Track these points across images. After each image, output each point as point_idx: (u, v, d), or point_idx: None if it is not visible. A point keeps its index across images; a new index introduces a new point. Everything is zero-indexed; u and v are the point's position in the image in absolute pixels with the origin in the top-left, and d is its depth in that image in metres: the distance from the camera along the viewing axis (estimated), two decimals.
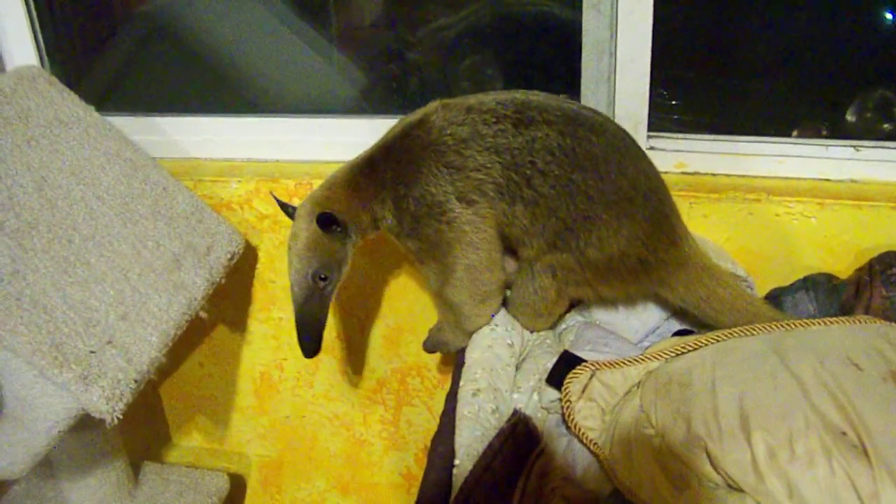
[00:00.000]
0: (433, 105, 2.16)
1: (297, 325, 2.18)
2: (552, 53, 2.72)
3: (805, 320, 1.88)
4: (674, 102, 2.69)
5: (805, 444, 1.55)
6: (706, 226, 2.48)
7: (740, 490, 1.58)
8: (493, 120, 2.05)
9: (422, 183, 2.07)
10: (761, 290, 2.40)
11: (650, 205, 2.06)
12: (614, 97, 2.51)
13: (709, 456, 1.62)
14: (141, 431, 3.20)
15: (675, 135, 2.58)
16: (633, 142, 2.15)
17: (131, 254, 2.33)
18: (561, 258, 2.08)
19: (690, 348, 1.88)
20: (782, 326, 1.88)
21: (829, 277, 2.36)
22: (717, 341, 1.86)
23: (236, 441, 3.21)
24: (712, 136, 2.57)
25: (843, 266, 2.43)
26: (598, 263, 2.08)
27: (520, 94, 2.11)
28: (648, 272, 2.10)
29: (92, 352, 2.08)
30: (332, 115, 2.83)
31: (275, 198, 2.33)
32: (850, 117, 2.74)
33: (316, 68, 2.96)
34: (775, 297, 2.33)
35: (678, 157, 2.56)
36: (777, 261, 2.48)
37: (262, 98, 3.00)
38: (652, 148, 2.55)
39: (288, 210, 2.26)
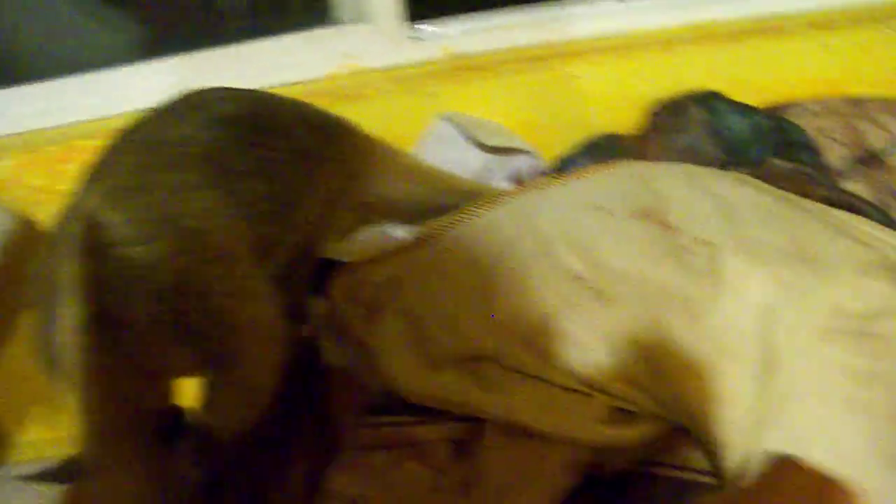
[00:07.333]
0: None
1: None
2: None
3: (557, 176, 1.82)
4: None
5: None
6: (484, 106, 2.42)
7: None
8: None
9: None
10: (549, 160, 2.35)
11: None
12: None
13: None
14: None
15: (435, 21, 2.48)
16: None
17: None
18: None
19: (436, 231, 1.78)
20: (535, 187, 1.80)
21: (612, 139, 2.33)
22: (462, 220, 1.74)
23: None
24: (472, 14, 2.49)
25: (626, 119, 2.39)
26: None
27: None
28: None
29: None
30: (93, 70, 2.67)
31: None
32: None
33: (73, 23, 2.82)
34: (562, 168, 2.29)
35: (444, 42, 2.47)
36: (559, 127, 2.43)
37: (15, 66, 2.84)
38: (417, 38, 2.45)
39: None
